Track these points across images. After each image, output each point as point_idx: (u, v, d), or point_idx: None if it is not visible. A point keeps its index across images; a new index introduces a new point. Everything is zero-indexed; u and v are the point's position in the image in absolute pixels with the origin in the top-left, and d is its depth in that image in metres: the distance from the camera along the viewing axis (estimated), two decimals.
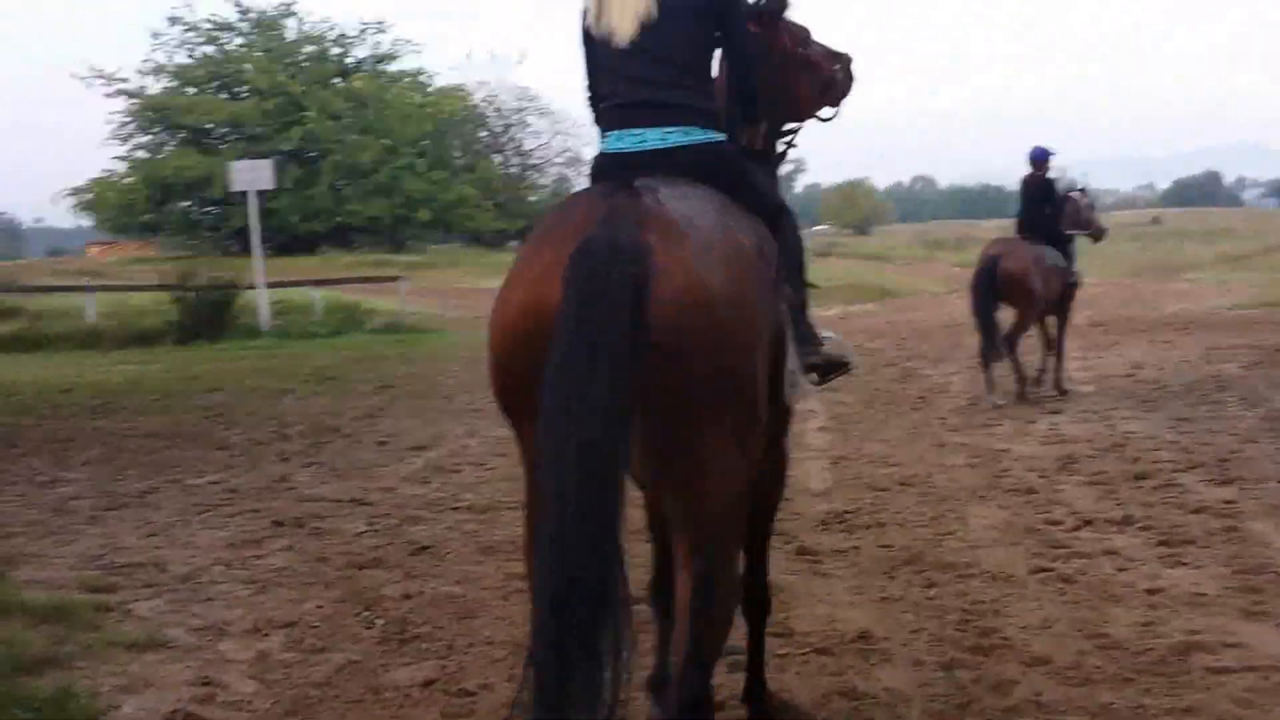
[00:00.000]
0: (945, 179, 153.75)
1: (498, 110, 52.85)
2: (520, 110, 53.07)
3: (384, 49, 50.10)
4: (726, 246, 2.91)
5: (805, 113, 4.27)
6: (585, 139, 53.47)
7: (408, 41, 50.79)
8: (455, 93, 50.04)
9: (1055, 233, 12.24)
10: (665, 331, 2.65)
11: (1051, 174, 12.59)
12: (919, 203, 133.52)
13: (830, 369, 3.91)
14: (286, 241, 45.74)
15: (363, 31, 49.37)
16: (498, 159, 53.93)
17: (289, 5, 48.34)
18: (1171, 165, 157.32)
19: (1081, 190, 13.29)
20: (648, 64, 3.36)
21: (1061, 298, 12.29)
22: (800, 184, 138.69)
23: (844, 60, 4.35)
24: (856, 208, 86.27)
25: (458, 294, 27.95)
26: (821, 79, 4.23)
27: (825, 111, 4.36)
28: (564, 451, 2.54)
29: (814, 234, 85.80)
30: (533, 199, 53.66)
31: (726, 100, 3.71)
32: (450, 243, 52.13)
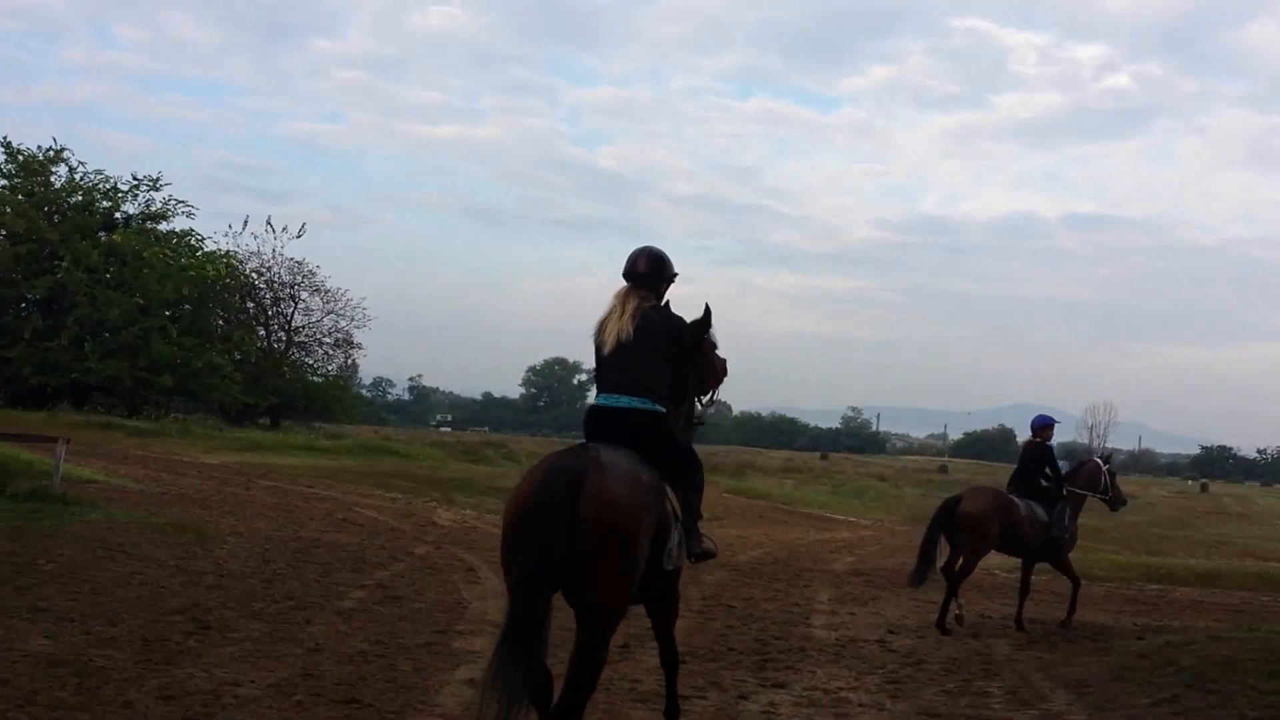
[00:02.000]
0: (739, 405, 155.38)
1: (268, 282, 49.58)
2: (292, 285, 49.88)
3: (155, 207, 46.86)
4: (630, 479, 5.24)
5: (709, 393, 6.69)
6: (358, 321, 51.26)
7: (181, 202, 47.59)
8: (223, 258, 46.73)
9: (1043, 491, 12.92)
10: (589, 516, 4.97)
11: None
12: (710, 426, 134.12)
13: (703, 557, 6.14)
14: (19, 394, 41.97)
15: (135, 187, 46.14)
16: (261, 332, 50.47)
17: (59, 151, 44.96)
18: (969, 420, 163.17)
19: (1105, 457, 14.13)
20: (625, 360, 5.93)
21: (1045, 550, 12.95)
22: (592, 396, 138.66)
23: (724, 365, 6.67)
24: None
25: (169, 466, 24.62)
26: (718, 377, 6.65)
27: (706, 397, 6.70)
28: (524, 573, 4.93)
29: None
30: (312, 378, 50.48)
31: (672, 389, 6.19)
32: (195, 412, 48.31)
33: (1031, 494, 12.81)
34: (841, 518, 34.94)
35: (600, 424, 5.88)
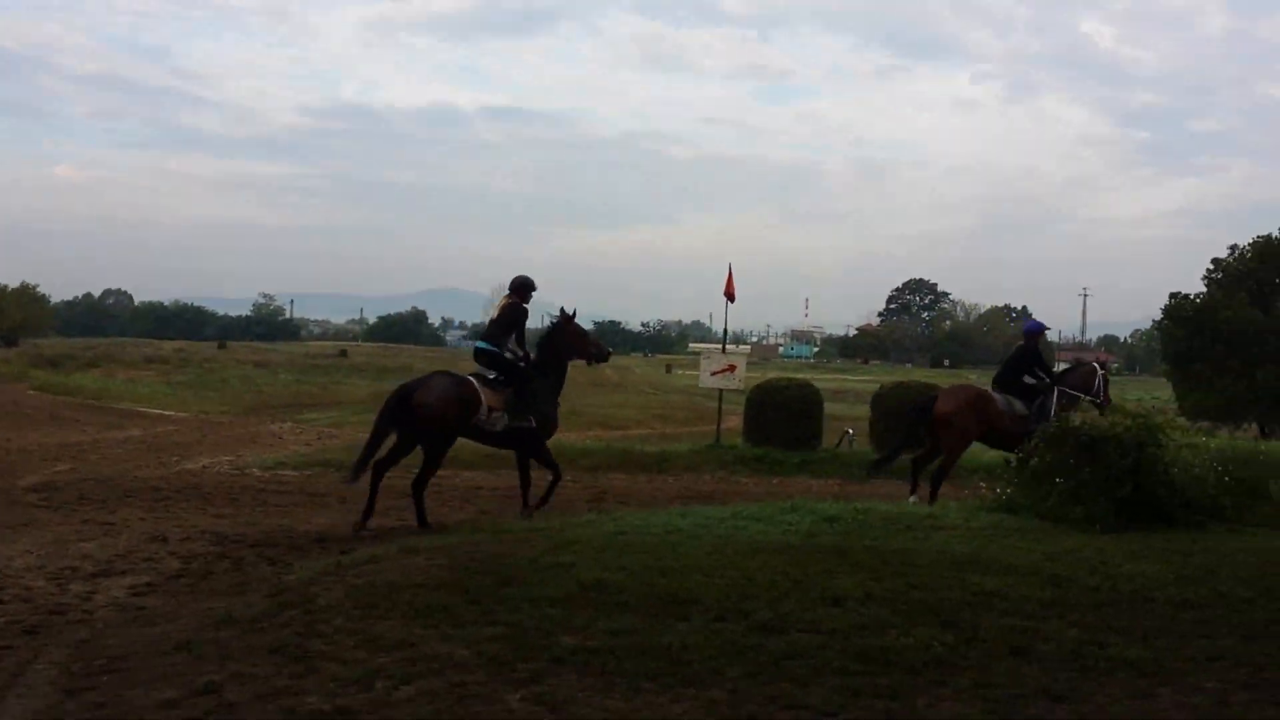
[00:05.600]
0: (141, 296, 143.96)
1: None
2: None
3: None
4: (438, 391, 11.31)
5: (584, 355, 12.69)
6: None
7: None
8: None
9: (1024, 388, 13.87)
10: (415, 410, 11.21)
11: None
12: (106, 319, 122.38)
13: (518, 429, 11.72)
14: None
15: None
16: None
17: None
18: (389, 303, 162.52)
19: (1103, 363, 15.02)
20: (492, 326, 12.21)
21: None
22: None
23: (602, 347, 13.10)
24: (6, 316, 76.55)
25: None
26: (592, 348, 12.82)
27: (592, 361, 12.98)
28: (374, 432, 11.37)
29: None
30: None
31: (516, 341, 12.19)
32: None
33: (1014, 390, 13.85)
34: (159, 411, 30.70)
35: (477, 354, 11.98)
